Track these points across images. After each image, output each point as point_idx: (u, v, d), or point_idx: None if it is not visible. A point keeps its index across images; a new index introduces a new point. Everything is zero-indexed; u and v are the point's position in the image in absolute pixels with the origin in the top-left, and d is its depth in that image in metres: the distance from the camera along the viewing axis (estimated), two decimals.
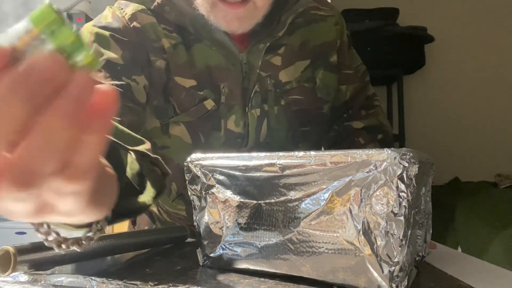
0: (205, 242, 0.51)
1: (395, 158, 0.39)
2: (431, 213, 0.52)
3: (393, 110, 2.38)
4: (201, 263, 0.52)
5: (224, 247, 0.50)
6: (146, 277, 0.46)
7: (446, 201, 1.74)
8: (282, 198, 0.45)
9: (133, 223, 0.95)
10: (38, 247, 0.47)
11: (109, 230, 0.88)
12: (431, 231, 0.53)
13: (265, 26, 0.76)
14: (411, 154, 0.39)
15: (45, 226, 0.35)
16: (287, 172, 0.44)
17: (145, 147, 0.51)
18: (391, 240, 0.39)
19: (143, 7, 0.75)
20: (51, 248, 0.49)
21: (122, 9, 0.75)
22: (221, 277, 0.48)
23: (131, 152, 0.46)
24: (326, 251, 0.43)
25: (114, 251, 0.54)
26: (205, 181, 0.50)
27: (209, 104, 0.74)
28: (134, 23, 0.73)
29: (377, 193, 0.40)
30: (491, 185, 2.02)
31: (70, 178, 0.23)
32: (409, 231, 0.40)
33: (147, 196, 0.48)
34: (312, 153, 0.43)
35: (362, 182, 0.40)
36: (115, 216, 0.38)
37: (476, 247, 1.41)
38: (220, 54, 0.75)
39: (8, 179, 0.21)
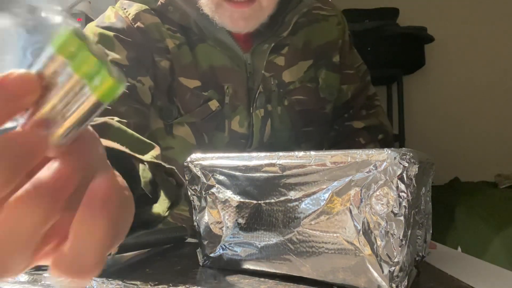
0: (205, 242, 0.51)
1: (395, 158, 0.39)
2: (431, 213, 0.52)
3: (393, 110, 2.38)
4: (201, 263, 0.52)
5: (224, 247, 0.50)
6: (146, 277, 0.46)
7: (446, 201, 1.74)
8: (282, 198, 0.45)
9: None
10: None
11: None
12: (431, 231, 0.53)
13: (269, 27, 0.76)
14: (411, 154, 0.39)
15: None
16: (287, 172, 0.44)
17: (155, 152, 0.51)
18: (391, 240, 0.39)
19: (147, 7, 0.75)
20: None
21: (125, 9, 0.75)
22: (221, 277, 0.48)
23: (146, 163, 0.45)
24: (326, 251, 0.43)
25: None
26: (205, 181, 0.50)
27: (214, 104, 0.74)
28: (138, 23, 0.73)
29: (377, 193, 0.40)
30: (491, 185, 2.02)
31: (73, 274, 0.21)
32: (409, 231, 0.40)
33: (161, 206, 0.47)
34: (312, 153, 0.43)
35: (362, 182, 0.40)
36: (130, 229, 0.37)
37: (476, 247, 1.41)
38: (224, 55, 0.75)
39: None
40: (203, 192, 0.50)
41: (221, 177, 0.49)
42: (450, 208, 1.69)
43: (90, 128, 0.22)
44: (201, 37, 0.75)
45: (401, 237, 0.39)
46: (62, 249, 0.21)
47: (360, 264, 0.41)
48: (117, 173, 0.23)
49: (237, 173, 0.48)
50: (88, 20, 1.58)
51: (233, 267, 0.49)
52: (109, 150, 0.34)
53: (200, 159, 0.51)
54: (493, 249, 1.34)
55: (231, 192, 0.49)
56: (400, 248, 0.39)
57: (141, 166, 0.45)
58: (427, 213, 0.51)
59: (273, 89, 0.78)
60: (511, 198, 1.69)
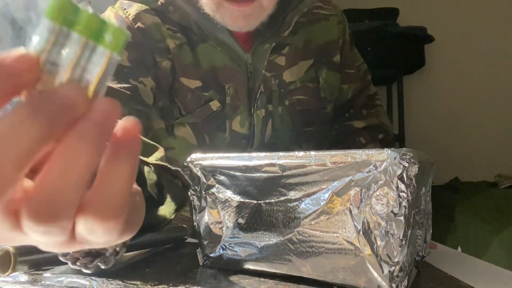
0: (205, 242, 0.51)
1: (395, 158, 0.39)
2: (431, 213, 0.52)
3: (393, 110, 2.38)
4: (201, 263, 0.52)
5: (224, 247, 0.50)
6: (146, 277, 0.46)
7: (446, 201, 1.74)
8: (282, 198, 0.45)
9: None
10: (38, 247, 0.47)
11: None
12: (431, 231, 0.53)
13: (269, 26, 0.76)
14: (411, 154, 0.39)
15: (71, 252, 0.33)
16: (287, 172, 0.44)
17: (160, 154, 0.51)
18: (391, 240, 0.39)
19: (147, 7, 0.74)
20: None
21: (125, 9, 0.74)
22: (221, 277, 0.48)
23: (151, 166, 0.45)
24: (326, 251, 0.43)
25: None
26: (205, 181, 0.50)
27: (215, 105, 0.74)
28: (139, 24, 0.73)
29: (377, 193, 0.40)
30: (491, 185, 2.02)
31: (101, 216, 0.21)
32: (409, 231, 0.40)
33: (167, 208, 0.47)
34: (312, 153, 0.43)
35: (362, 182, 0.40)
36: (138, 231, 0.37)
37: (476, 247, 1.41)
38: (225, 55, 0.75)
39: (30, 212, 0.19)
40: (203, 192, 0.50)
41: (221, 177, 0.49)
42: (450, 208, 1.69)
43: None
44: (201, 37, 0.75)
45: (401, 237, 0.39)
46: (93, 189, 0.21)
47: (360, 264, 0.41)
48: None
49: (237, 173, 0.48)
50: None
51: (233, 267, 0.49)
52: None
53: (200, 159, 0.51)
54: (493, 249, 1.34)
55: (231, 192, 0.49)
56: (400, 248, 0.39)
57: (146, 168, 0.45)
58: (427, 213, 0.51)
59: (274, 89, 0.78)
60: (511, 198, 1.69)
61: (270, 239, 0.46)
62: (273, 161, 0.45)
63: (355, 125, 0.89)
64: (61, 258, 0.37)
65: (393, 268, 0.40)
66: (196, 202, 0.52)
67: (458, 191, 1.93)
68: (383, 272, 0.40)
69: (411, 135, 2.33)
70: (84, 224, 0.21)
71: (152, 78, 0.72)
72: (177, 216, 0.49)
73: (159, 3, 0.74)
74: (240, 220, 0.48)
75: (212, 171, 0.50)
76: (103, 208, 0.21)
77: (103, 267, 0.37)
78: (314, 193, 0.43)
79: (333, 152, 0.42)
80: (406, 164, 0.38)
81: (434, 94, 2.46)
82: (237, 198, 0.48)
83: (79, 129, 0.20)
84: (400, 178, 0.39)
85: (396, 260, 0.39)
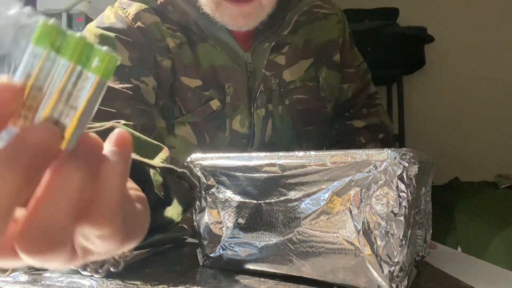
0: (205, 242, 0.51)
1: (395, 158, 0.39)
2: (431, 213, 0.52)
3: (393, 110, 2.37)
4: (201, 263, 0.52)
5: (224, 247, 0.50)
6: (146, 277, 0.46)
7: (446, 201, 1.74)
8: (282, 198, 0.45)
9: None
10: None
11: None
12: (431, 231, 0.53)
13: (269, 26, 0.76)
14: (411, 154, 0.39)
15: None
16: (287, 172, 0.44)
17: (164, 155, 0.50)
18: (391, 240, 0.39)
19: (146, 6, 0.74)
20: None
21: (124, 9, 0.74)
22: (221, 277, 0.48)
23: (157, 169, 0.45)
24: (326, 251, 0.43)
25: None
26: (205, 181, 0.50)
27: (215, 104, 0.74)
28: (138, 23, 0.73)
29: (377, 193, 0.40)
30: (491, 185, 2.02)
31: (95, 222, 0.21)
32: (409, 231, 0.40)
33: (175, 210, 0.47)
34: (312, 153, 0.43)
35: (362, 182, 0.40)
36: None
37: (476, 247, 1.41)
38: (225, 54, 0.75)
39: (24, 247, 0.19)
40: (203, 192, 0.51)
41: (221, 177, 0.49)
42: (450, 208, 1.69)
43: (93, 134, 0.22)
44: (201, 36, 0.75)
45: (401, 237, 0.39)
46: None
47: (360, 264, 0.41)
48: (131, 184, 0.23)
49: (237, 173, 0.48)
50: (88, 20, 1.58)
51: (233, 267, 0.49)
52: None
53: (200, 159, 0.51)
54: (493, 249, 1.34)
55: (231, 192, 0.49)
56: (400, 248, 0.39)
57: (151, 170, 0.45)
58: (427, 213, 0.51)
59: (273, 88, 0.78)
60: (511, 198, 1.69)
61: (270, 239, 0.46)
62: (273, 161, 0.45)
63: (355, 125, 0.89)
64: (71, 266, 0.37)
65: (393, 268, 0.40)
66: (196, 202, 0.52)
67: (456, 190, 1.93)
68: (383, 272, 0.40)
69: (411, 135, 2.33)
70: (81, 234, 0.21)
71: (153, 78, 0.72)
72: (184, 217, 0.49)
73: (158, 2, 0.74)
74: (240, 220, 0.48)
75: (212, 171, 0.50)
76: (96, 214, 0.21)
77: (113, 270, 0.37)
78: (314, 193, 0.43)
79: (333, 152, 0.42)
80: (406, 164, 0.38)
81: (434, 94, 2.46)
82: (237, 198, 0.48)
83: (68, 159, 0.19)
84: (400, 178, 0.39)
85: (396, 260, 0.39)
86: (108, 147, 0.21)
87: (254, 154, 0.47)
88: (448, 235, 1.61)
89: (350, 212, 0.41)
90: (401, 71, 2.28)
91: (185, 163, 0.51)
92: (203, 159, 0.51)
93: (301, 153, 0.44)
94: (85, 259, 0.23)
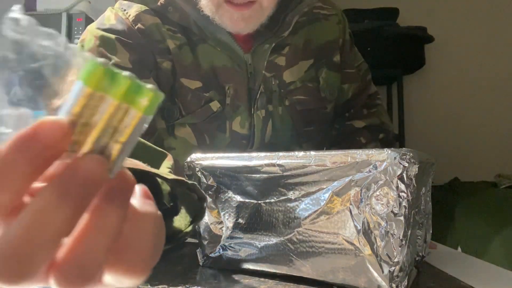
0: (205, 242, 0.51)
1: (395, 158, 0.39)
2: (431, 213, 0.52)
3: (393, 110, 2.37)
4: (201, 263, 0.52)
5: (224, 247, 0.50)
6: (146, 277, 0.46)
7: (446, 201, 1.74)
8: (282, 198, 0.45)
9: None
10: None
11: None
12: (431, 231, 0.53)
13: (269, 27, 0.76)
14: (411, 154, 0.39)
15: None
16: (287, 172, 0.44)
17: (169, 163, 0.50)
18: (391, 240, 0.39)
19: (146, 7, 0.74)
20: None
21: (124, 10, 0.74)
22: (221, 277, 0.48)
23: (167, 182, 0.45)
24: (326, 251, 0.43)
25: None
26: (205, 181, 0.50)
27: (215, 105, 0.74)
28: (139, 25, 0.73)
29: (377, 193, 0.40)
30: (491, 185, 2.02)
31: (131, 270, 0.21)
32: (409, 231, 0.40)
33: (182, 220, 0.47)
34: (312, 153, 0.43)
35: (362, 182, 0.40)
36: None
37: (476, 247, 1.41)
38: (225, 55, 0.75)
39: (61, 282, 0.19)
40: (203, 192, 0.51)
41: (221, 177, 0.49)
42: (450, 208, 1.69)
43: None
44: (201, 37, 0.75)
45: (401, 237, 0.39)
46: (120, 245, 0.21)
47: (360, 264, 0.41)
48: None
49: (237, 173, 0.48)
50: (88, 20, 1.58)
51: (233, 267, 0.49)
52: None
53: (200, 159, 0.51)
54: (493, 249, 1.34)
55: (231, 192, 0.49)
56: (400, 248, 0.39)
57: (159, 179, 0.45)
58: (427, 213, 0.51)
59: (274, 89, 0.78)
60: (511, 198, 1.68)
61: (270, 239, 0.46)
62: (273, 161, 0.45)
63: (355, 125, 0.89)
64: None
65: (393, 268, 0.40)
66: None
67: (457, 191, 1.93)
68: (383, 272, 0.40)
69: (411, 135, 2.33)
70: (114, 277, 0.22)
71: (154, 79, 0.72)
72: (193, 228, 0.48)
73: (158, 3, 0.74)
74: (240, 220, 0.48)
75: (212, 171, 0.50)
76: (131, 262, 0.21)
77: None
78: (314, 193, 0.43)
79: (333, 152, 0.42)
80: (406, 164, 0.38)
81: (434, 94, 2.46)
82: (237, 198, 0.48)
83: (107, 196, 0.20)
84: (400, 178, 0.39)
85: (396, 260, 0.39)
86: (136, 198, 0.22)
87: (254, 154, 0.47)
88: (448, 235, 1.61)
89: (350, 212, 0.41)
90: (401, 71, 2.28)
91: (185, 163, 0.51)
92: (203, 159, 0.51)
93: (301, 153, 0.44)
94: None
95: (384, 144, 0.87)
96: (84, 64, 0.19)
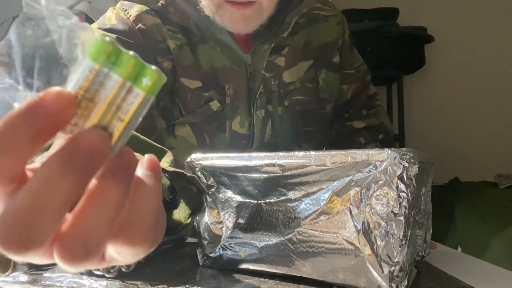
0: (205, 242, 0.51)
1: (395, 158, 0.39)
2: (431, 213, 0.52)
3: (393, 110, 2.37)
4: (201, 263, 0.52)
5: (224, 247, 0.50)
6: (146, 277, 0.46)
7: (446, 201, 1.74)
8: (282, 198, 0.45)
9: None
10: None
11: None
12: (431, 231, 0.53)
13: (269, 28, 0.76)
14: (411, 154, 0.39)
15: None
16: (287, 172, 0.44)
17: (169, 158, 0.51)
18: (391, 240, 0.39)
19: (147, 7, 0.75)
20: None
21: (125, 10, 0.75)
22: (221, 277, 0.48)
23: (166, 174, 0.45)
24: (326, 251, 0.43)
25: None
26: (205, 181, 0.50)
27: (215, 105, 0.75)
28: (140, 25, 0.73)
29: (377, 193, 0.40)
30: (491, 185, 2.02)
31: (131, 242, 0.22)
32: (409, 231, 0.40)
33: (182, 213, 0.47)
34: (312, 153, 0.43)
35: (362, 182, 0.40)
36: None
37: (476, 247, 1.41)
38: (225, 55, 0.75)
39: (63, 254, 0.20)
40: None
41: (221, 177, 0.49)
42: (450, 208, 1.69)
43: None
44: (201, 38, 0.75)
45: (401, 237, 0.39)
46: (122, 218, 0.21)
47: (360, 264, 0.41)
48: None
49: (237, 173, 0.48)
50: (88, 20, 1.58)
51: (233, 267, 0.49)
52: None
53: (200, 159, 0.51)
54: (493, 249, 1.34)
55: (231, 192, 0.49)
56: (400, 248, 0.39)
57: None
58: (427, 213, 0.51)
59: (273, 89, 0.78)
60: (511, 198, 1.68)
61: (270, 239, 0.46)
62: (273, 161, 0.45)
63: (355, 125, 0.89)
64: None
65: (393, 268, 0.40)
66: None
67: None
68: (383, 272, 0.40)
69: (411, 135, 2.33)
70: (114, 249, 0.22)
71: None
72: (192, 220, 0.49)
73: (159, 4, 0.74)
74: (240, 220, 0.48)
75: (212, 171, 0.50)
76: (132, 234, 0.22)
77: (124, 270, 0.38)
78: (314, 193, 0.43)
79: (333, 152, 0.42)
80: (406, 164, 0.38)
81: (434, 94, 2.46)
82: (237, 198, 0.48)
83: (110, 172, 0.21)
84: (400, 178, 0.39)
85: (396, 260, 0.39)
86: (141, 171, 0.22)
87: (254, 154, 0.47)
88: (448, 235, 1.61)
89: (350, 212, 0.41)
90: (401, 71, 2.28)
91: (185, 163, 0.52)
92: (203, 159, 0.51)
93: (301, 153, 0.44)
94: (110, 264, 0.24)
95: (383, 144, 0.87)
96: (92, 41, 0.20)
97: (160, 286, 0.44)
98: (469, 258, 0.60)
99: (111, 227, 0.21)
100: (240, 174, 0.47)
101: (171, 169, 0.45)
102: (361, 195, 0.40)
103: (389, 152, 0.39)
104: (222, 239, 0.50)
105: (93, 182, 0.21)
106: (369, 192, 0.40)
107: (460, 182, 2.14)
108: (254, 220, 0.47)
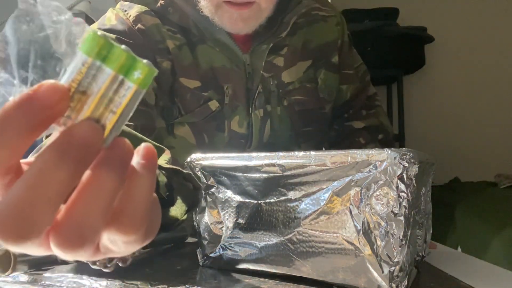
0: (205, 242, 0.51)
1: (395, 158, 0.39)
2: (431, 213, 0.52)
3: (393, 110, 2.37)
4: (201, 263, 0.52)
5: (224, 247, 0.50)
6: (146, 277, 0.46)
7: (446, 201, 1.74)
8: (282, 198, 0.45)
9: None
10: None
11: None
12: (431, 231, 0.53)
13: (268, 28, 0.76)
14: (411, 154, 0.39)
15: None
16: (287, 172, 0.44)
17: (167, 156, 0.51)
18: (391, 240, 0.39)
19: (147, 8, 0.75)
20: None
21: (125, 11, 0.75)
22: (221, 277, 0.48)
23: (163, 171, 0.45)
24: (326, 251, 0.43)
25: None
26: (205, 181, 0.50)
27: (214, 105, 0.75)
28: (139, 25, 0.73)
29: (377, 193, 0.40)
30: (491, 185, 2.02)
31: (124, 230, 0.22)
32: (409, 231, 0.40)
33: (178, 210, 0.48)
34: (312, 153, 0.43)
35: (362, 182, 0.40)
36: None
37: (476, 247, 1.41)
38: (224, 55, 0.76)
39: (59, 241, 0.21)
40: (203, 192, 0.51)
41: (221, 177, 0.49)
42: (450, 208, 1.69)
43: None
44: (200, 38, 0.75)
45: (401, 237, 0.39)
46: (116, 206, 0.22)
47: (360, 264, 0.41)
48: None
49: (237, 173, 0.48)
50: (88, 20, 1.58)
51: (233, 267, 0.49)
52: None
53: (200, 159, 0.51)
54: (493, 249, 1.34)
55: (231, 192, 0.49)
56: (400, 248, 0.39)
57: (157, 170, 0.45)
58: (427, 213, 0.51)
59: (272, 89, 0.78)
60: (511, 198, 1.68)
61: (270, 239, 0.46)
62: (273, 161, 0.45)
63: (354, 126, 0.89)
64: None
65: (393, 268, 0.40)
66: (199, 202, 0.52)
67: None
68: (383, 272, 0.40)
69: (411, 135, 2.33)
70: (108, 238, 0.23)
71: (153, 79, 0.73)
72: (188, 217, 0.49)
73: (158, 4, 0.75)
74: (240, 220, 0.48)
75: (212, 171, 0.50)
76: (125, 223, 0.22)
77: (121, 265, 0.38)
78: (314, 193, 0.43)
79: (333, 152, 0.42)
80: (406, 164, 0.38)
81: (434, 94, 2.46)
82: (237, 198, 0.48)
83: (103, 162, 0.21)
84: (400, 178, 0.39)
85: (396, 260, 0.39)
86: (136, 159, 0.23)
87: (254, 154, 0.47)
88: (448, 235, 1.61)
89: (350, 212, 0.41)
90: (401, 71, 2.28)
91: (185, 163, 0.52)
92: (203, 159, 0.51)
93: (301, 153, 0.44)
94: (105, 256, 0.25)
95: (383, 144, 0.87)
96: (85, 36, 0.21)
97: (160, 286, 0.44)
98: (469, 258, 0.60)
99: (106, 215, 0.21)
100: (240, 174, 0.47)
101: (168, 166, 0.46)
102: (361, 195, 0.40)
103: (389, 152, 0.39)
104: (222, 239, 0.50)
105: (87, 173, 0.21)
106: (369, 192, 0.40)
107: (460, 182, 2.15)
108: (254, 220, 0.47)
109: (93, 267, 0.37)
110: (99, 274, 0.46)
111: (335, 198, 0.42)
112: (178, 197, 0.48)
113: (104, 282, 0.45)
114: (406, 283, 0.41)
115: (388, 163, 0.39)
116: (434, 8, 2.43)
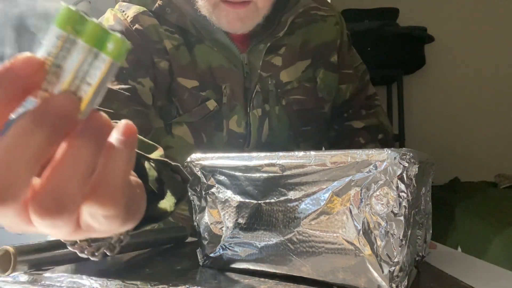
0: (205, 242, 0.51)
1: (395, 158, 0.39)
2: (431, 213, 0.52)
3: (393, 110, 2.37)
4: (201, 263, 0.52)
5: (224, 247, 0.50)
6: (146, 277, 0.46)
7: (446, 201, 1.74)
8: (282, 198, 0.45)
9: None
10: (38, 247, 0.47)
11: None
12: (431, 231, 0.53)
13: (266, 27, 0.76)
14: (411, 154, 0.39)
15: (78, 242, 0.36)
16: (287, 172, 0.44)
17: (159, 153, 0.51)
18: (391, 240, 0.39)
19: (145, 9, 0.75)
20: (51, 248, 0.49)
21: (123, 11, 0.75)
22: (221, 277, 0.48)
23: (151, 162, 0.46)
24: (326, 251, 0.43)
25: None
26: (205, 181, 0.50)
27: (212, 104, 0.75)
28: (137, 25, 0.74)
29: (377, 193, 0.40)
30: (491, 185, 2.02)
31: (103, 202, 0.23)
32: (409, 231, 0.40)
33: (168, 202, 0.48)
34: (312, 153, 0.43)
35: (362, 182, 0.40)
36: (140, 223, 0.39)
37: (476, 247, 1.41)
38: (222, 55, 0.76)
39: (36, 207, 0.21)
40: (203, 192, 0.51)
41: (221, 177, 0.49)
42: (450, 208, 1.69)
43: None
44: (198, 38, 0.75)
45: (401, 237, 0.39)
46: (93, 179, 0.23)
47: (360, 264, 0.41)
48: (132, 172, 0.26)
49: (237, 173, 0.48)
50: None
51: (233, 267, 0.49)
52: None
53: (200, 159, 0.51)
54: (493, 249, 1.34)
55: (231, 192, 0.49)
56: (400, 248, 0.39)
57: (147, 164, 0.46)
58: (427, 213, 0.51)
59: (270, 89, 0.78)
60: (511, 198, 1.69)
61: (270, 239, 0.46)
62: (273, 161, 0.45)
63: (354, 125, 0.89)
64: (69, 248, 0.38)
65: (393, 268, 0.40)
66: (196, 202, 0.52)
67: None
68: (383, 272, 0.40)
69: (411, 135, 2.33)
70: (87, 212, 0.23)
71: (150, 79, 0.73)
72: (177, 208, 0.49)
73: (156, 4, 0.75)
74: (240, 220, 0.48)
75: (212, 171, 0.50)
76: (103, 194, 0.23)
77: (109, 254, 0.38)
78: (314, 193, 0.43)
79: (333, 152, 0.42)
80: (406, 164, 0.38)
81: (434, 94, 2.46)
82: (237, 198, 0.48)
83: (80, 133, 0.22)
84: (400, 178, 0.39)
85: (396, 260, 0.39)
86: (115, 135, 0.23)
87: (254, 154, 0.47)
88: (448, 235, 1.61)
89: (350, 212, 0.41)
90: (401, 71, 2.29)
91: (185, 163, 0.52)
92: (203, 159, 0.51)
93: (301, 153, 0.44)
94: (87, 235, 0.25)
95: (383, 144, 0.87)
96: (59, 10, 0.21)
97: (160, 286, 0.44)
98: (469, 258, 0.60)
99: (83, 185, 0.22)
100: (240, 174, 0.47)
101: (155, 157, 0.46)
102: (361, 195, 0.40)
103: (389, 152, 0.39)
104: (222, 239, 0.50)
105: (64, 143, 0.22)
106: (369, 192, 0.40)
107: (460, 182, 2.15)
108: (254, 220, 0.47)
109: (81, 255, 0.37)
110: (99, 274, 0.47)
111: (335, 198, 0.42)
112: (168, 191, 0.48)
113: (104, 282, 0.45)
114: (406, 283, 0.41)
115: (388, 163, 0.39)
116: (434, 8, 2.43)
